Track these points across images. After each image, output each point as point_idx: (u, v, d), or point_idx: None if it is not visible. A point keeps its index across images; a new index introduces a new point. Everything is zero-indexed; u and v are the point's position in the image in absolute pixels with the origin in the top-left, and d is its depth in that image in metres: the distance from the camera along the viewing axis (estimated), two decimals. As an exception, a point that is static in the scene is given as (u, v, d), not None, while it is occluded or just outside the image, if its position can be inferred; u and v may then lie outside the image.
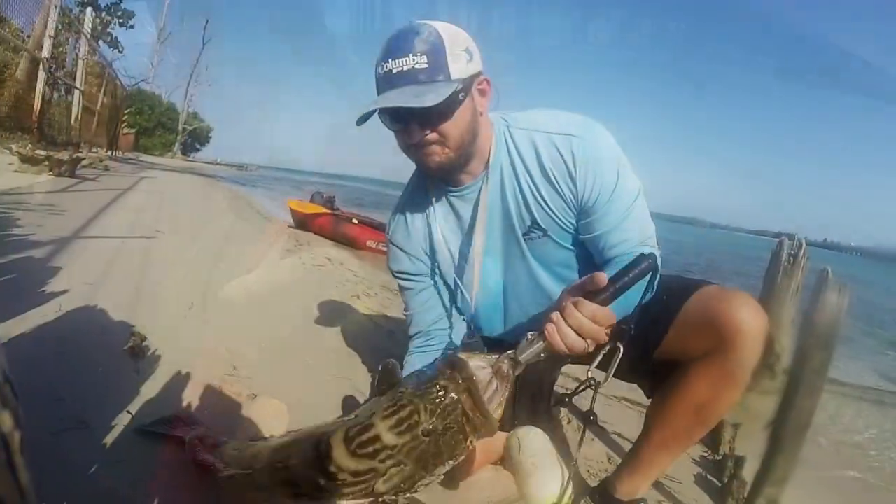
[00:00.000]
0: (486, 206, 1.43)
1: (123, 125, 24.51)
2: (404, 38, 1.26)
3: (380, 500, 1.07)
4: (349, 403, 2.01)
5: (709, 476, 2.12)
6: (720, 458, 2.26)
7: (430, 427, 1.02)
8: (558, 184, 1.37)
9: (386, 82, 1.28)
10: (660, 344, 1.42)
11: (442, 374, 1.05)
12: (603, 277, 1.05)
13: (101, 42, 29.11)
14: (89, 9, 12.59)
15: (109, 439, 1.43)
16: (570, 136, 1.36)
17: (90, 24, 12.27)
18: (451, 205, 1.51)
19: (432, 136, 1.31)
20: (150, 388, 1.73)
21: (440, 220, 1.53)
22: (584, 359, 1.19)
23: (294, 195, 13.74)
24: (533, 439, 1.44)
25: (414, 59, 1.24)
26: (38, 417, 1.42)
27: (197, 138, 49.41)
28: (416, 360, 1.56)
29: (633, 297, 1.15)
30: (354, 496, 1.06)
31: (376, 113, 1.32)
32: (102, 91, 15.30)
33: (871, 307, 12.97)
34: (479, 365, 1.07)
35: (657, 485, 1.90)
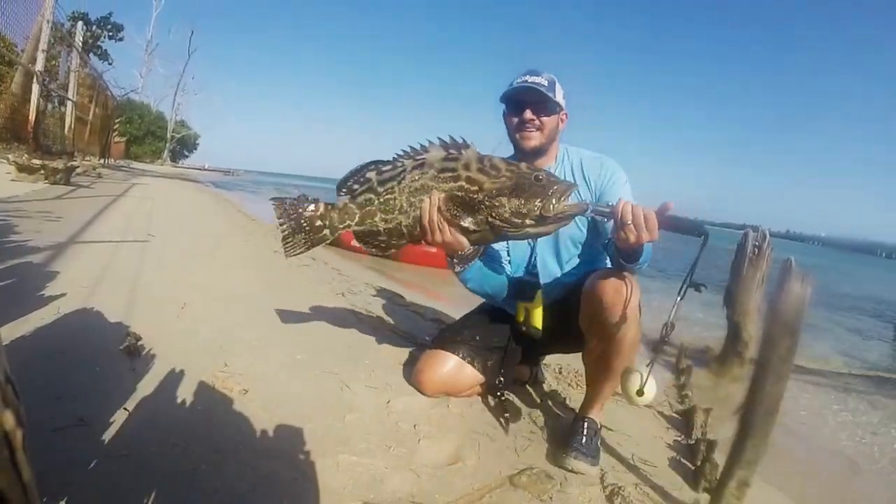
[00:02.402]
0: None
1: (115, 134, 24.11)
2: (536, 71, 2.07)
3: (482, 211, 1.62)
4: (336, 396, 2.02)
5: (682, 459, 2.14)
6: (693, 442, 2.29)
7: (541, 177, 1.60)
8: (588, 179, 2.11)
9: (521, 84, 2.03)
10: (577, 316, 1.98)
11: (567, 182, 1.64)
12: (671, 205, 1.58)
13: (91, 54, 28.62)
14: (80, 23, 12.35)
15: (108, 435, 1.42)
16: (602, 157, 2.15)
17: (81, 38, 12.06)
18: None
19: (537, 121, 2.04)
20: (146, 386, 1.72)
21: None
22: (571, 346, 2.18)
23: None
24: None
25: (541, 79, 2.03)
26: (39, 415, 1.40)
27: (185, 145, 48.83)
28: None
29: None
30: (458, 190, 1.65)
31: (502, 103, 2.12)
32: (94, 102, 15.04)
33: (835, 295, 13.15)
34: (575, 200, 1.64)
35: (633, 468, 1.95)
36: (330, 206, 1.78)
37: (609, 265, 2.04)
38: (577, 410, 2.10)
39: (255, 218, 9.91)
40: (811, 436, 3.30)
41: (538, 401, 2.37)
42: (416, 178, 1.67)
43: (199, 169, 44.96)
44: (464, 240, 1.68)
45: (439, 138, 1.68)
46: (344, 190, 1.77)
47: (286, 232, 1.79)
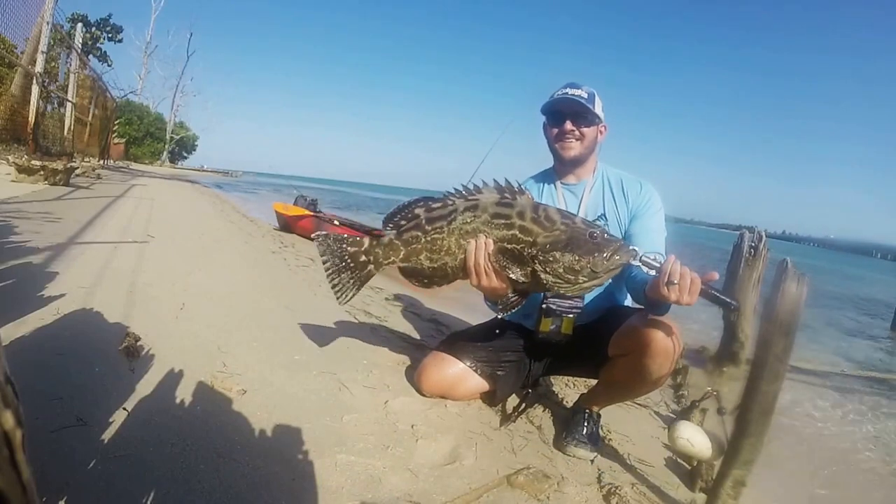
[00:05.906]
0: (589, 197, 2.16)
1: (114, 135, 24.10)
2: (577, 84, 2.08)
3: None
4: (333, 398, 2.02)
5: (678, 459, 2.16)
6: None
7: (596, 234, 1.55)
8: (627, 197, 2.11)
9: (562, 96, 2.06)
10: (609, 341, 1.95)
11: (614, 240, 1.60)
12: (714, 275, 1.55)
13: (91, 56, 28.60)
14: (80, 24, 12.29)
15: (107, 435, 1.41)
16: (641, 179, 2.14)
17: (80, 40, 12.00)
18: (554, 193, 2.21)
19: (577, 132, 2.07)
20: (145, 386, 1.71)
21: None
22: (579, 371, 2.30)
23: (278, 199, 13.61)
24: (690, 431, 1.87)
25: (581, 91, 2.05)
26: (38, 416, 1.40)
27: (184, 146, 48.77)
28: None
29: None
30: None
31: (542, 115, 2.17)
32: (93, 103, 14.99)
33: (830, 296, 13.12)
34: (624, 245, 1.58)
35: (630, 468, 1.96)
36: (375, 242, 1.76)
37: (627, 295, 2.13)
38: (578, 401, 2.16)
39: (253, 219, 9.91)
40: (806, 435, 3.31)
41: (535, 400, 2.37)
42: (469, 220, 1.64)
43: (198, 170, 44.90)
44: (508, 288, 1.67)
45: (494, 180, 1.65)
46: (391, 225, 1.75)
47: (330, 270, 1.79)
